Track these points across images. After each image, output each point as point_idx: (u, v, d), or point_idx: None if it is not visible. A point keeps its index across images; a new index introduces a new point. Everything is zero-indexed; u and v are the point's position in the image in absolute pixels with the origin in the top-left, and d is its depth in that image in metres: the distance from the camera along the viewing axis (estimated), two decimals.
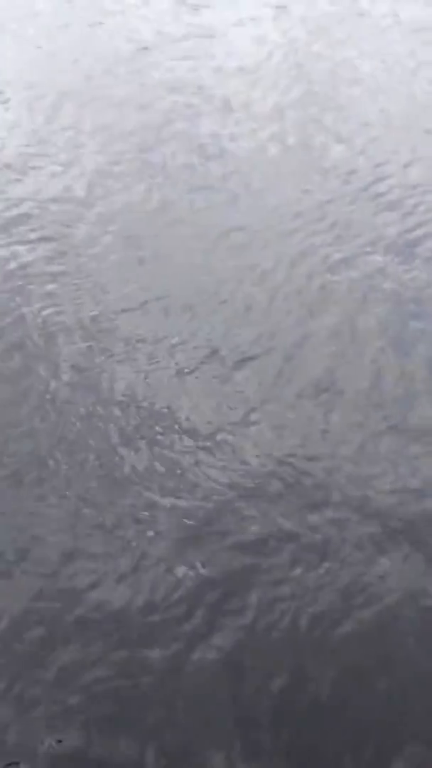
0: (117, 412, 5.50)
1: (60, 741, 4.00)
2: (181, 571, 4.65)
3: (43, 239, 6.87)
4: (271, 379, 5.72)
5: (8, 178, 7.54)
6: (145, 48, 9.40)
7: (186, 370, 5.77)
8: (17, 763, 3.93)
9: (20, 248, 6.78)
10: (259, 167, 7.70)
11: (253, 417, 5.47)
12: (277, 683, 4.20)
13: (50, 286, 6.43)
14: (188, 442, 5.31)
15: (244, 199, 7.33)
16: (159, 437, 5.35)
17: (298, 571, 4.66)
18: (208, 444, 5.29)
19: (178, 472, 5.14)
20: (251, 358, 5.86)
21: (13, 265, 6.63)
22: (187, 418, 5.45)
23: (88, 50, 9.40)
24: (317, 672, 4.23)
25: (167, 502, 4.97)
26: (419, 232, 6.94)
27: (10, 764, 3.93)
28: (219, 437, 5.33)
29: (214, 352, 5.90)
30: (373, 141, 8.00)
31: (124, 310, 6.23)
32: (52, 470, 5.17)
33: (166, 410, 5.50)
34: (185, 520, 4.89)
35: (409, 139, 8.05)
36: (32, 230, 6.96)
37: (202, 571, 4.65)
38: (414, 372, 5.76)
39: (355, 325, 6.10)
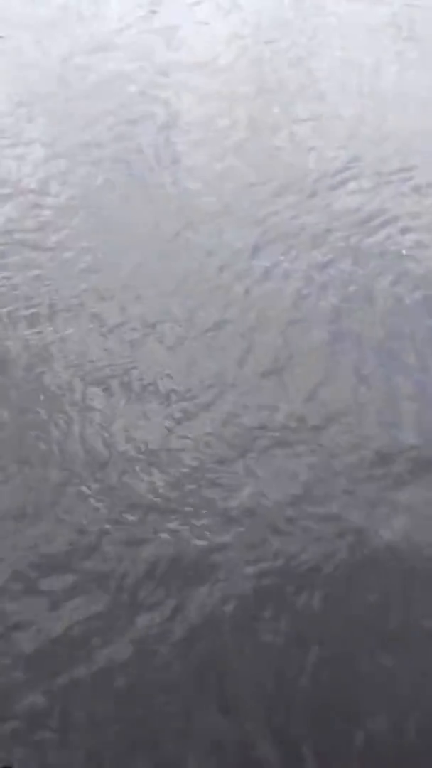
0: (82, 400, 5.50)
1: None
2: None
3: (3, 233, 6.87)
4: (233, 361, 5.78)
5: None
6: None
7: (152, 354, 5.81)
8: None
9: None
10: (215, 161, 7.71)
11: (219, 397, 5.51)
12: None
13: (15, 279, 6.41)
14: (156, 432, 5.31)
15: (205, 194, 7.33)
16: (124, 423, 5.35)
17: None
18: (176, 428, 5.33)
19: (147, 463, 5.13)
20: (215, 344, 5.90)
21: None
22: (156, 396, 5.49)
23: (48, 47, 9.36)
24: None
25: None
26: (372, 224, 6.98)
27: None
28: (186, 421, 5.37)
29: (179, 340, 5.93)
30: (328, 137, 8.00)
31: (85, 299, 6.25)
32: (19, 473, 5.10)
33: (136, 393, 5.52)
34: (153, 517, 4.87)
35: (363, 135, 8.06)
36: None
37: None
38: (365, 359, 5.84)
39: (313, 311, 6.17)
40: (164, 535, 4.78)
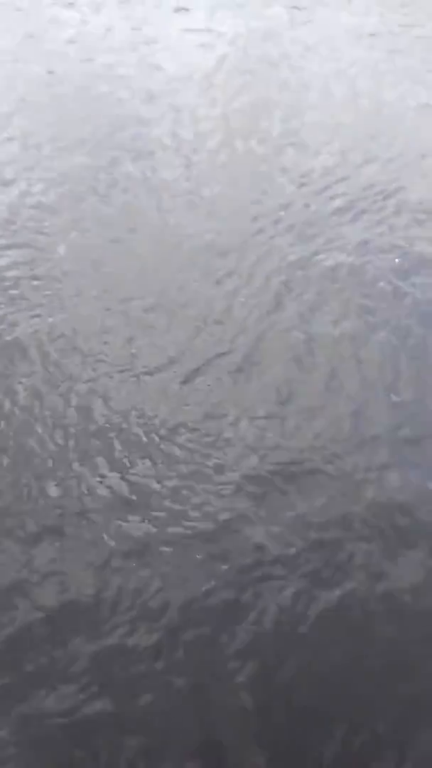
0: (78, 419, 5.39)
1: None
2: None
3: (4, 247, 6.81)
4: (232, 381, 5.70)
5: None
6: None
7: (148, 375, 5.71)
8: None
9: None
10: (212, 173, 7.75)
11: (215, 421, 5.42)
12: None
13: (12, 292, 6.35)
14: (149, 448, 5.22)
15: (200, 205, 7.35)
16: (117, 444, 5.26)
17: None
18: (171, 449, 5.23)
19: (142, 483, 5.04)
20: (212, 361, 5.84)
21: None
22: (148, 424, 5.37)
23: (40, 59, 9.41)
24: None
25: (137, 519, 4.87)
26: (373, 231, 7.04)
27: None
28: (180, 444, 5.27)
29: (177, 356, 5.86)
30: (324, 145, 8.12)
31: (85, 315, 6.17)
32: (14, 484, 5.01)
33: (127, 416, 5.42)
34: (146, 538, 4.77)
35: (357, 141, 8.19)
36: None
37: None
38: (370, 370, 5.80)
39: (312, 326, 6.14)
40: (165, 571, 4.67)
